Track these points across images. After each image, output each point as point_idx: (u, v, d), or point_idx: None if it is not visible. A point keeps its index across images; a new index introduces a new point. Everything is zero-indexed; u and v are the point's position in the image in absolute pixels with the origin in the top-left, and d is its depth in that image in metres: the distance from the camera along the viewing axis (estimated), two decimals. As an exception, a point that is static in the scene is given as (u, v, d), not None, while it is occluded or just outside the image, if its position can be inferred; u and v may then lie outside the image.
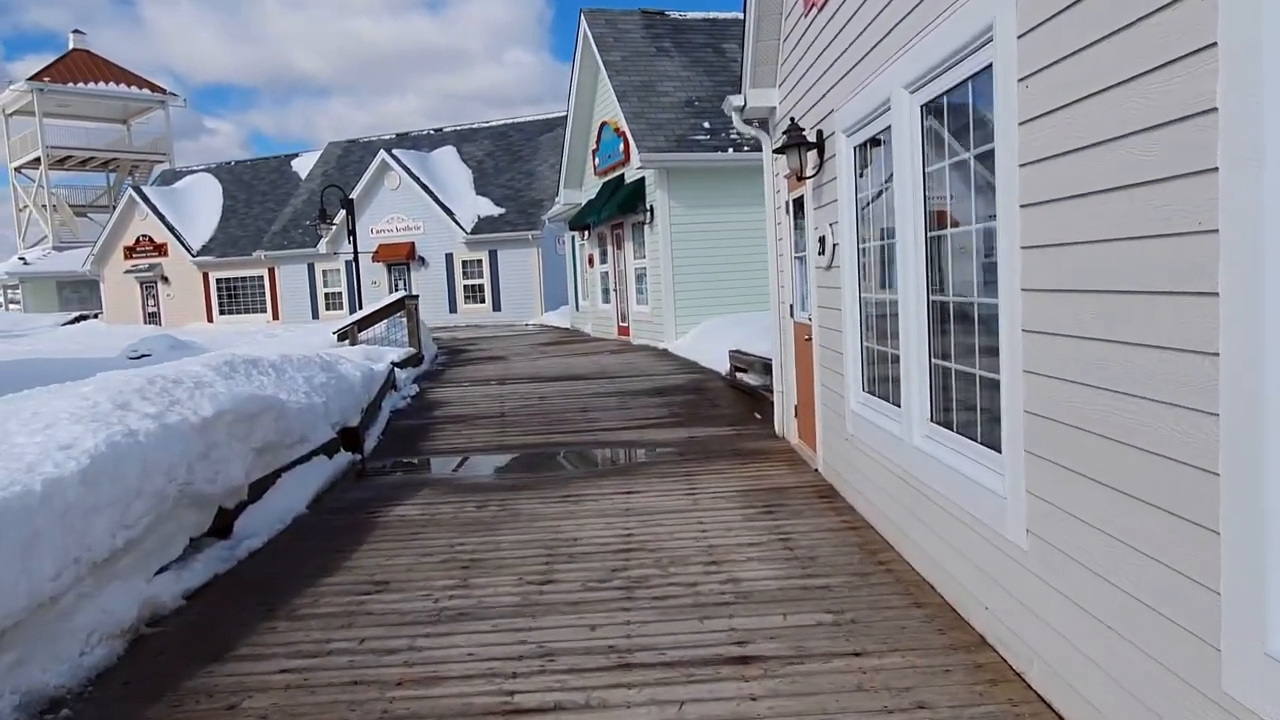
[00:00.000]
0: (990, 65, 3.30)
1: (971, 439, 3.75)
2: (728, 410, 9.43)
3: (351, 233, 19.61)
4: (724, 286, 14.62)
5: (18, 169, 46.81)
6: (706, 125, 14.91)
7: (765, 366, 9.21)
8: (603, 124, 17.17)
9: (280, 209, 33.72)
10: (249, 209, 35.33)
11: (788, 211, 7.46)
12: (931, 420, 4.23)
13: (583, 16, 16.55)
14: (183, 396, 5.47)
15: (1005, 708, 3.07)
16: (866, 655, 3.51)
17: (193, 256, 34.11)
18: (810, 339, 6.72)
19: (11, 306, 44.61)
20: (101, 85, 44.86)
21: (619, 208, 15.54)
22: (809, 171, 6.10)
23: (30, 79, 43.15)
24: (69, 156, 45.86)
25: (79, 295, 43.91)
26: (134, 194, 35.58)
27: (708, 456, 7.47)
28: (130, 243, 35.71)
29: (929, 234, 4.16)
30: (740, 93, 7.77)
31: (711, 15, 17.28)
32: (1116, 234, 2.52)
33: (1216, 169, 2.04)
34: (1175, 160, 2.20)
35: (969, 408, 3.85)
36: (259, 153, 42.98)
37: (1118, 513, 2.59)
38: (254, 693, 3.48)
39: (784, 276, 7.70)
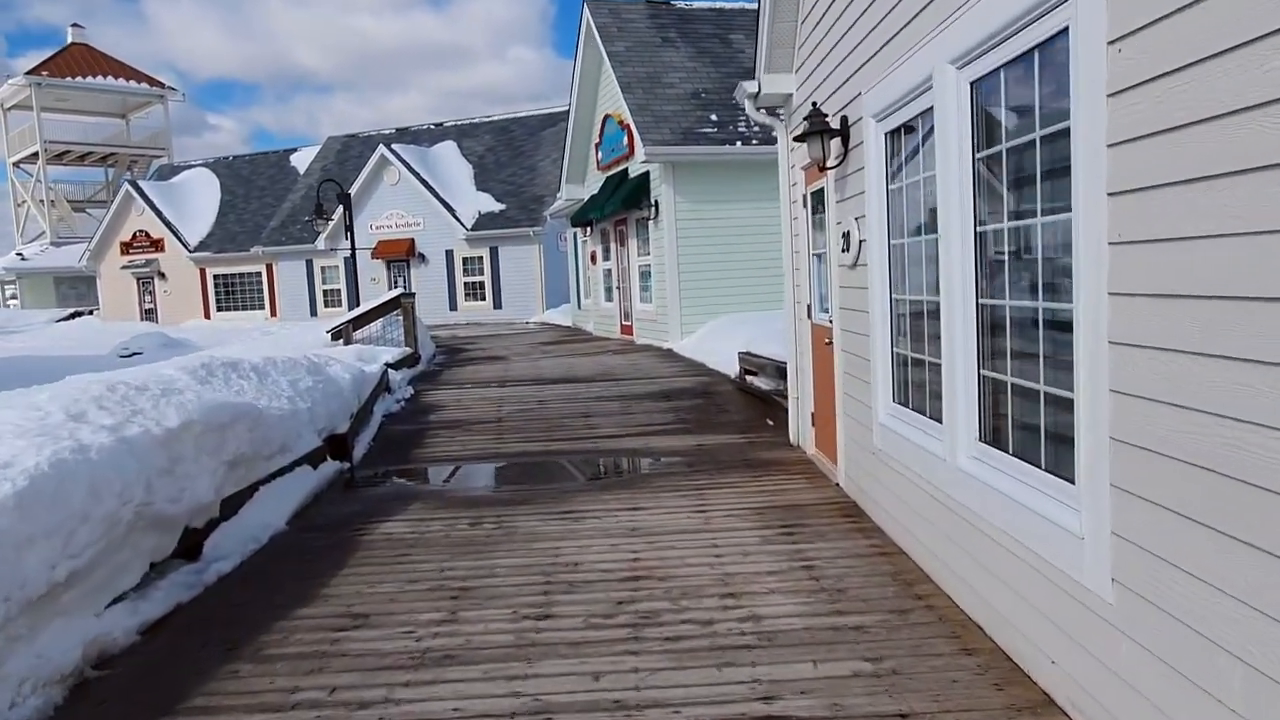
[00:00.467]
0: (1065, 29, 2.81)
1: (1033, 464, 3.26)
2: (738, 416, 8.94)
3: (349, 228, 19.12)
4: (731, 285, 14.12)
5: (16, 164, 46.34)
6: (714, 117, 14.40)
7: (778, 370, 8.71)
8: (606, 117, 16.66)
9: (279, 204, 33.22)
10: (247, 204, 34.84)
11: (805, 205, 6.96)
12: (980, 440, 3.73)
13: (585, 6, 16.04)
14: (146, 406, 4.99)
15: (1086, 790, 2.59)
16: (915, 717, 3.02)
17: (190, 252, 33.62)
18: (831, 342, 6.23)
19: (10, 302, 44.20)
20: (100, 79, 44.38)
21: (622, 203, 15.04)
22: (831, 162, 5.60)
23: (28, 73, 42.66)
24: (67, 151, 45.39)
25: (77, 291, 43.47)
26: (130, 189, 35.09)
27: (718, 467, 6.98)
28: (127, 238, 35.23)
29: (978, 229, 3.66)
30: (754, 78, 7.27)
31: (718, 5, 16.78)
32: (1246, 227, 2.03)
33: None
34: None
35: (1028, 428, 3.36)
36: (261, 149, 42.41)
37: (1234, 566, 2.10)
38: (203, 758, 3.01)
39: (801, 275, 7.20)
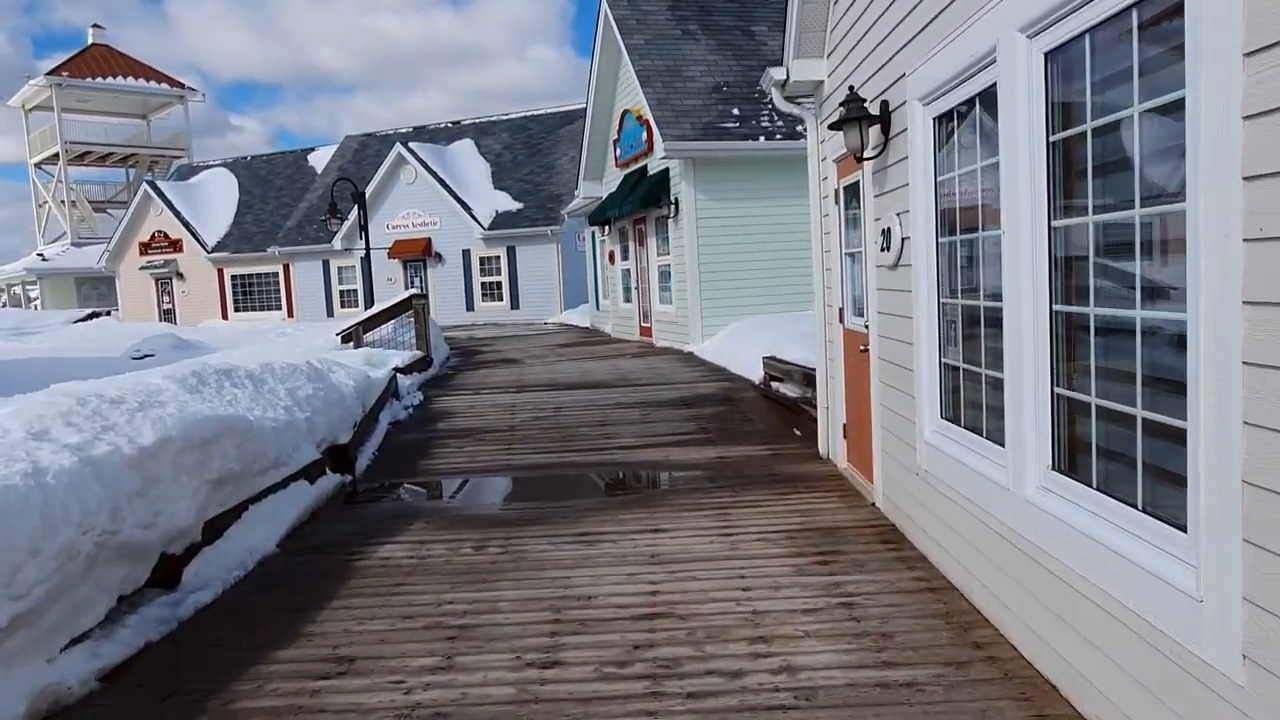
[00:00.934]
0: (1177, -21, 2.30)
1: (1127, 504, 2.75)
2: (762, 425, 8.44)
3: (363, 228, 18.78)
4: (754, 286, 13.60)
5: (37, 165, 46.56)
6: (736, 112, 13.89)
7: (806, 377, 8.21)
8: (624, 112, 16.19)
9: (296, 204, 33.01)
10: (264, 204, 34.67)
11: (838, 201, 6.45)
12: (1053, 468, 3.22)
13: (604, -2, 15.58)
14: (119, 420, 4.57)
15: None
16: (988, 810, 2.52)
17: (207, 253, 33.49)
18: (867, 349, 5.72)
19: (33, 304, 44.37)
20: (120, 80, 44.46)
21: (641, 201, 14.56)
22: (869, 152, 5.09)
23: (49, 74, 42.78)
24: (88, 152, 45.51)
25: (98, 292, 43.55)
26: (149, 189, 35.03)
27: (743, 483, 6.49)
28: (145, 239, 35.18)
29: (1053, 223, 3.15)
30: (781, 65, 6.77)
31: (741, -4, 16.24)
32: None
33: None
34: None
35: (1116, 458, 2.85)
36: (282, 149, 42.18)
37: None
38: None
39: (832, 276, 6.69)
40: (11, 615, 3.27)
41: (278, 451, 6.04)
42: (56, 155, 44.00)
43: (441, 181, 27.69)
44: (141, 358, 18.47)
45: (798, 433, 7.98)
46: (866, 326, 5.72)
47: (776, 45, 14.82)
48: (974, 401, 4.04)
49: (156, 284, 35.42)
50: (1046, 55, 3.10)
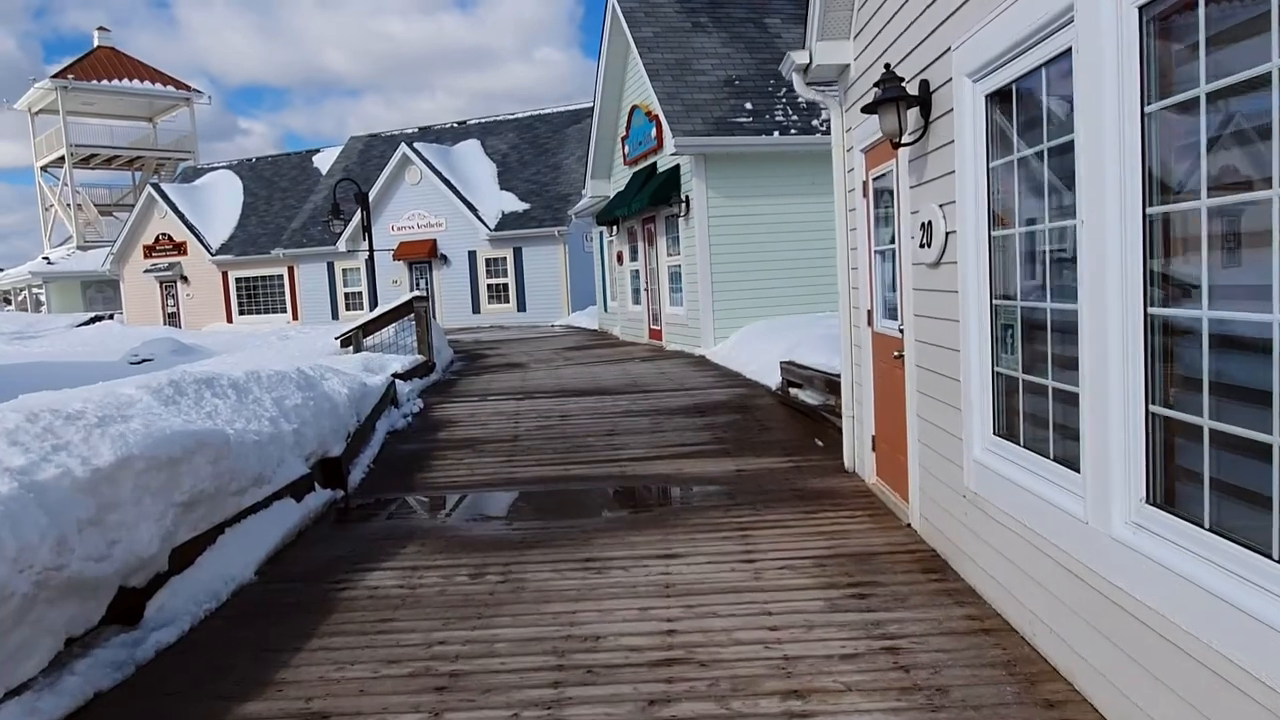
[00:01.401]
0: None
1: (1255, 550, 2.24)
2: (781, 435, 7.94)
3: (366, 229, 18.35)
4: (769, 286, 13.11)
5: (43, 168, 46.40)
6: (749, 106, 13.40)
7: (828, 383, 7.71)
8: (633, 108, 15.71)
9: (300, 206, 32.64)
10: (269, 206, 34.32)
11: (865, 194, 5.95)
12: (1147, 501, 2.72)
13: (611, -10, 15.10)
14: (74, 438, 4.10)
15: None
16: None
17: (212, 255, 33.15)
18: (901, 356, 5.22)
19: (41, 307, 44.17)
20: (126, 82, 44.26)
21: (651, 199, 14.07)
22: (907, 137, 4.59)
23: (54, 76, 42.59)
24: (94, 155, 45.33)
25: (104, 295, 43.33)
26: (153, 192, 34.72)
27: (764, 499, 5.99)
28: (150, 241, 34.87)
29: (1149, 210, 2.65)
30: (803, 48, 6.28)
31: (753, -13, 15.75)
32: None
33: None
34: None
35: (1239, 495, 2.35)
36: (288, 151, 41.68)
37: None
38: None
39: (859, 276, 6.19)
40: (-78, 674, 2.80)
41: (260, 467, 5.58)
42: (62, 158, 43.82)
43: (447, 182, 27.26)
44: (140, 362, 18.11)
45: (820, 443, 7.48)
46: (901, 330, 5.22)
47: (791, 38, 14.33)
48: (1036, 417, 3.54)
49: (161, 287, 35.11)
50: (1142, 9, 2.60)
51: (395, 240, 27.71)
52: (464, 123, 31.89)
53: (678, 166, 13.70)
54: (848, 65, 6.08)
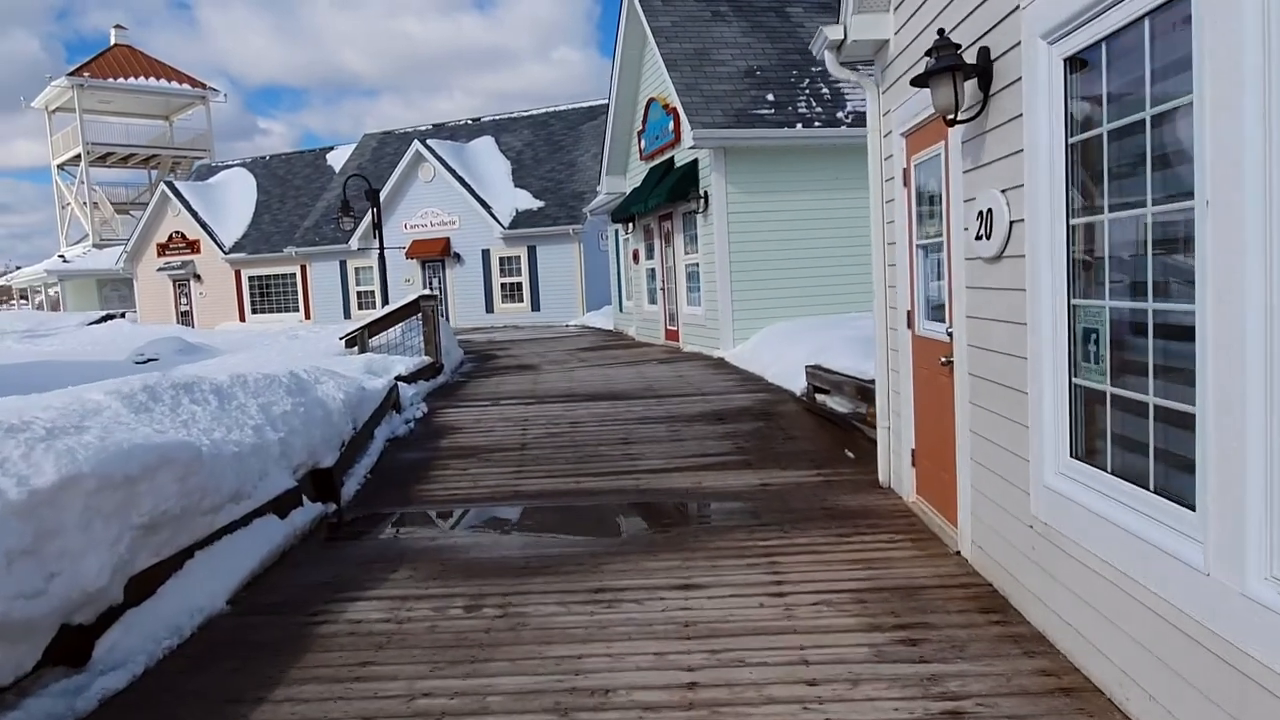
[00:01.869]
0: None
1: None
2: (808, 445, 7.37)
3: (377, 226, 17.92)
4: (792, 285, 12.52)
5: (60, 166, 46.38)
6: (770, 98, 12.82)
7: (859, 390, 7.14)
8: (650, 101, 15.16)
9: (314, 204, 32.28)
10: (282, 204, 34.00)
11: (906, 182, 5.38)
12: (1299, 555, 2.15)
13: (628, -22, 14.56)
14: (12, 454, 3.61)
15: None
16: None
17: (225, 254, 32.87)
18: (949, 362, 4.65)
19: (58, 305, 44.16)
20: (142, 80, 44.13)
21: (668, 195, 13.51)
22: (963, 114, 4.03)
23: (70, 74, 42.51)
24: (110, 153, 45.23)
25: (119, 294, 43.20)
26: (166, 190, 34.50)
27: (793, 519, 5.44)
28: (163, 240, 34.66)
29: (1306, 185, 2.08)
30: (837, 22, 5.72)
31: (775, -26, 15.16)
32: None
33: None
34: None
35: None
36: (302, 150, 41.38)
37: None
38: None
39: (897, 273, 5.62)
40: None
41: (238, 482, 5.07)
42: (79, 156, 43.73)
43: (460, 180, 26.80)
44: (145, 361, 17.75)
45: (850, 455, 6.91)
46: (949, 334, 4.65)
47: (814, 27, 13.74)
48: (1129, 440, 2.97)
49: (174, 285, 34.89)
50: (1301, -73, 2.04)
51: (408, 238, 27.29)
52: (478, 120, 31.44)
53: (696, 161, 13.15)
54: (886, 41, 5.52)
